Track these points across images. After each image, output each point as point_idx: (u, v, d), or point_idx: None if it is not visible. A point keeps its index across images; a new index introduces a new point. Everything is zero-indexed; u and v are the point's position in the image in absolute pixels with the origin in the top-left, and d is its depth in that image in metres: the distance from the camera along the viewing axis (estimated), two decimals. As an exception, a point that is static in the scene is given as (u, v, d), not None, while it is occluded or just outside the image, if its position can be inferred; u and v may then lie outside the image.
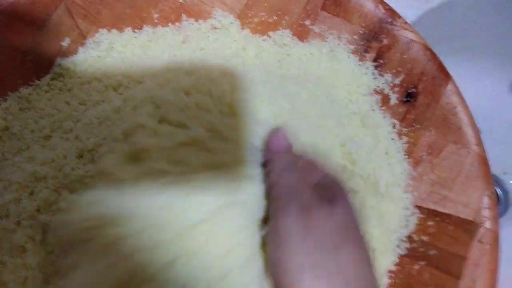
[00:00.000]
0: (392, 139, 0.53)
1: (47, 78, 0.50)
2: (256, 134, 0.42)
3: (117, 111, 0.46)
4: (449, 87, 0.52)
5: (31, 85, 0.49)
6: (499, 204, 0.73)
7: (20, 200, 0.42)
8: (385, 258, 0.48)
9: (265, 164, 0.41)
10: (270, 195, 0.38)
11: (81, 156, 0.44)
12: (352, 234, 0.35)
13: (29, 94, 0.49)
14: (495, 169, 0.73)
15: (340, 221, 0.35)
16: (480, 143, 0.51)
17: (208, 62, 0.49)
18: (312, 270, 0.33)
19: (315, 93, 0.51)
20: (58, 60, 0.50)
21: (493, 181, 0.49)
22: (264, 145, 0.42)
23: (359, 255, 0.35)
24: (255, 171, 0.40)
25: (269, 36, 0.55)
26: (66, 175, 0.43)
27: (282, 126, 0.43)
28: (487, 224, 0.47)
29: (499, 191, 0.73)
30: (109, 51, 0.52)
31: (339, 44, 0.55)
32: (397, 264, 0.48)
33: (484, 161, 0.50)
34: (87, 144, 0.44)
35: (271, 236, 0.36)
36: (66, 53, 0.51)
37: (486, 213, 0.48)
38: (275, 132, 0.42)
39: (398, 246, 0.49)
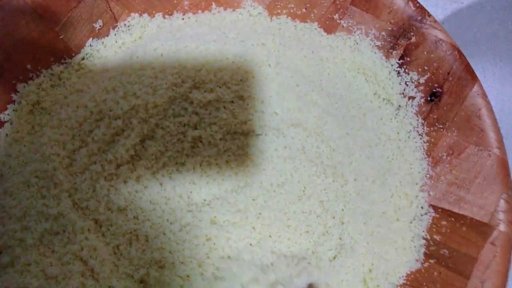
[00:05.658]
0: (413, 137, 0.53)
1: (78, 58, 0.52)
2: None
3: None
4: (475, 88, 0.52)
5: (63, 63, 0.51)
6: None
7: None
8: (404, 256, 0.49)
9: None
10: None
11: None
12: None
13: (61, 72, 0.51)
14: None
15: None
16: (502, 146, 0.50)
17: (231, 50, 0.50)
18: None
19: (332, 93, 0.52)
20: (90, 41, 0.52)
21: (512, 185, 0.49)
22: None
23: None
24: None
25: (295, 27, 0.56)
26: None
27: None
28: (501, 227, 0.47)
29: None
30: (140, 36, 0.53)
31: (365, 39, 0.55)
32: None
33: (504, 164, 0.49)
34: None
35: None
36: (97, 35, 0.53)
37: (501, 216, 0.47)
38: None
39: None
